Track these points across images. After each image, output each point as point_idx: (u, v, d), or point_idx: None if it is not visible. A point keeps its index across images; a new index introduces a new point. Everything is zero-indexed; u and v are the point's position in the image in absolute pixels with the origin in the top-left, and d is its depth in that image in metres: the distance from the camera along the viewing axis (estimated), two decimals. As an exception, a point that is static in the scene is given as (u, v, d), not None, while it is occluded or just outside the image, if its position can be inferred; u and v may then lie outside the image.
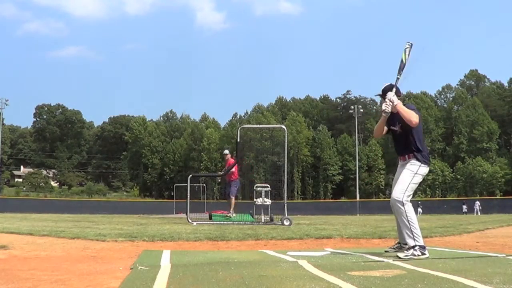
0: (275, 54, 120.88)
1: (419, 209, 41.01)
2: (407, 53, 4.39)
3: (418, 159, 4.37)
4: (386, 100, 4.28)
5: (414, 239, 4.19)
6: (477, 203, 42.24)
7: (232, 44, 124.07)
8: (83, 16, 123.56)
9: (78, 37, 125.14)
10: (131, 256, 4.38)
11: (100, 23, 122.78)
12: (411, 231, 4.21)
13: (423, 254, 4.13)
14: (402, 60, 4.40)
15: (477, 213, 39.58)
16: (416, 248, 4.15)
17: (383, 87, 4.54)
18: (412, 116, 4.26)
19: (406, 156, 4.43)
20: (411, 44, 4.44)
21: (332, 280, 2.79)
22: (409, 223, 4.21)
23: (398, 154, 4.59)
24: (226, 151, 13.43)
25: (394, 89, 4.35)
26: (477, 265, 3.54)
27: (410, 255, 4.10)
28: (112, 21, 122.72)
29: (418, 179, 4.36)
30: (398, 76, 4.40)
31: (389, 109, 4.25)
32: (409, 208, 4.24)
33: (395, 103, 4.25)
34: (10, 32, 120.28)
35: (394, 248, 4.70)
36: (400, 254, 4.13)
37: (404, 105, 4.37)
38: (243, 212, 13.88)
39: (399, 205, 4.24)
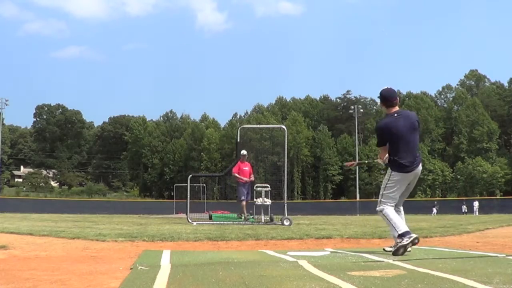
0: (275, 54, 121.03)
1: (434, 209, 40.91)
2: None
3: (390, 168, 4.73)
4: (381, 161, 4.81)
5: (397, 231, 4.46)
6: (475, 203, 42.29)
7: (233, 44, 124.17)
8: (85, 17, 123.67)
9: (79, 38, 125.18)
10: (131, 256, 4.38)
11: (102, 24, 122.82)
12: (393, 226, 4.51)
13: (409, 238, 4.37)
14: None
15: (475, 213, 39.58)
16: (400, 237, 4.39)
17: (386, 92, 4.78)
18: (381, 154, 4.81)
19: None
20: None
21: (332, 280, 2.79)
22: (388, 221, 4.57)
23: None
24: (245, 152, 12.92)
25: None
26: (477, 265, 3.54)
27: (398, 246, 4.37)
28: (113, 21, 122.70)
29: (392, 184, 4.67)
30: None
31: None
32: (384, 212, 4.60)
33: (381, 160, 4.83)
34: (11, 32, 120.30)
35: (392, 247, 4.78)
36: (387, 248, 4.54)
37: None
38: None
39: (379, 213, 4.69)
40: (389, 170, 4.70)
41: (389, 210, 4.59)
